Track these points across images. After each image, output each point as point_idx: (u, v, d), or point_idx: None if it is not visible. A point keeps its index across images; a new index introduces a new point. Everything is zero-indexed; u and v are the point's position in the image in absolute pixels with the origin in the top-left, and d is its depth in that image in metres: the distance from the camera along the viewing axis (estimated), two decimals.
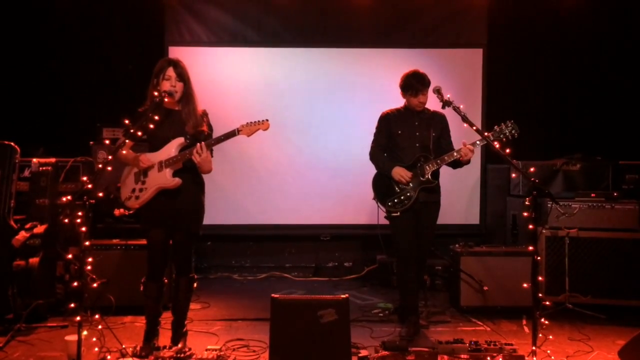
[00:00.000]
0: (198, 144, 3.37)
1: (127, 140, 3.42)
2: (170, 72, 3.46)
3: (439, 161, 4.02)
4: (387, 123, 4.19)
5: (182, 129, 3.48)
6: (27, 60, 5.88)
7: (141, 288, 3.58)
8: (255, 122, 3.45)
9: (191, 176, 3.53)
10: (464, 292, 4.65)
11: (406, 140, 4.12)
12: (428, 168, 4.02)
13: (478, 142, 3.92)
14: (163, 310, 3.75)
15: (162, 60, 3.55)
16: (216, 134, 3.53)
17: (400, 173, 4.02)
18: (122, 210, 3.67)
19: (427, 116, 4.17)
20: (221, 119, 5.38)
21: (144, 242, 4.41)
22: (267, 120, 3.45)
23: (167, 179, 3.44)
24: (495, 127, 3.89)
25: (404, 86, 4.10)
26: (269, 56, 6.12)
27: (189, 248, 3.62)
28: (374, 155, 4.20)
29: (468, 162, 4.00)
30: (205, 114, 3.60)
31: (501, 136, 3.83)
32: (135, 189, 3.51)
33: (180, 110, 3.52)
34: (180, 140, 3.46)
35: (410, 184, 4.03)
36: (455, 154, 3.94)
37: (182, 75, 3.49)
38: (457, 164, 4.03)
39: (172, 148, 3.45)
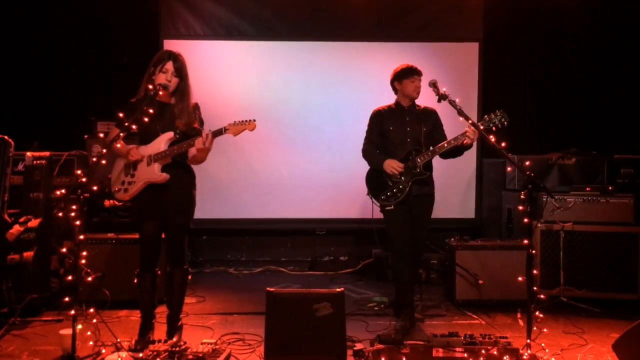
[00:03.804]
0: (205, 132, 3.36)
1: (121, 134, 3.40)
2: (169, 65, 3.44)
3: (429, 152, 4.02)
4: (379, 120, 4.21)
5: (172, 123, 3.47)
6: (21, 53, 5.84)
7: (135, 281, 3.58)
8: (242, 121, 3.43)
9: (181, 171, 3.53)
10: (459, 285, 4.66)
11: (398, 135, 4.12)
12: (420, 160, 4.02)
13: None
14: (158, 304, 3.75)
15: (163, 52, 3.54)
16: (210, 126, 3.52)
17: (391, 165, 4.02)
18: (112, 201, 3.65)
19: (418, 112, 4.19)
20: (216, 113, 5.39)
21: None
22: (254, 120, 3.43)
23: (155, 173, 3.43)
24: (485, 116, 3.90)
25: (399, 75, 4.14)
26: (264, 49, 6.10)
27: (181, 241, 3.60)
28: (367, 153, 4.22)
29: (470, 146, 3.97)
30: (197, 107, 3.58)
31: (490, 125, 3.83)
32: (125, 182, 3.49)
33: (174, 105, 3.51)
34: (169, 135, 3.45)
35: (403, 177, 4.03)
36: (460, 137, 3.89)
37: (180, 70, 3.47)
38: (456, 152, 4.01)
39: (161, 142, 3.44)
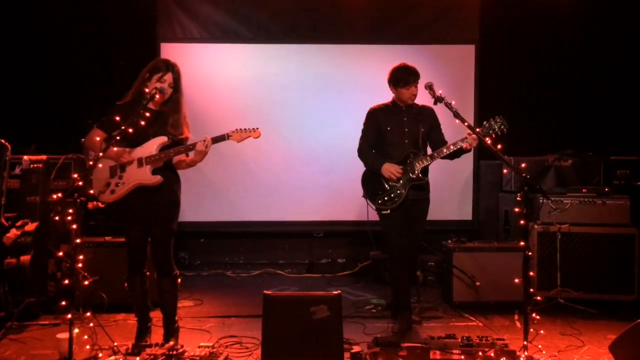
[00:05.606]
0: (207, 137, 3.42)
1: (117, 137, 3.40)
2: (169, 77, 3.45)
3: (428, 158, 4.01)
4: (375, 119, 4.17)
5: (162, 128, 3.48)
6: (18, 57, 5.83)
7: (125, 285, 3.58)
8: (246, 129, 3.47)
9: (169, 173, 3.53)
10: (456, 287, 4.66)
11: (395, 136, 4.10)
12: (418, 165, 3.99)
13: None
14: (153, 307, 3.75)
15: (160, 61, 3.54)
16: (206, 130, 3.53)
17: (390, 169, 3.99)
18: (95, 203, 3.62)
19: (415, 111, 4.15)
20: (213, 116, 5.41)
21: None
22: (258, 128, 3.48)
23: (147, 176, 3.43)
24: (485, 122, 3.87)
25: (394, 79, 4.07)
26: (261, 52, 6.10)
27: (167, 245, 3.56)
28: (362, 152, 4.19)
29: (469, 150, 3.96)
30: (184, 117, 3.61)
31: (490, 132, 3.81)
32: (111, 183, 3.47)
33: (166, 113, 3.51)
34: (163, 139, 3.45)
35: (400, 181, 4.01)
36: (459, 143, 3.89)
37: (177, 82, 3.49)
38: (454, 155, 3.99)
39: (153, 146, 3.44)
